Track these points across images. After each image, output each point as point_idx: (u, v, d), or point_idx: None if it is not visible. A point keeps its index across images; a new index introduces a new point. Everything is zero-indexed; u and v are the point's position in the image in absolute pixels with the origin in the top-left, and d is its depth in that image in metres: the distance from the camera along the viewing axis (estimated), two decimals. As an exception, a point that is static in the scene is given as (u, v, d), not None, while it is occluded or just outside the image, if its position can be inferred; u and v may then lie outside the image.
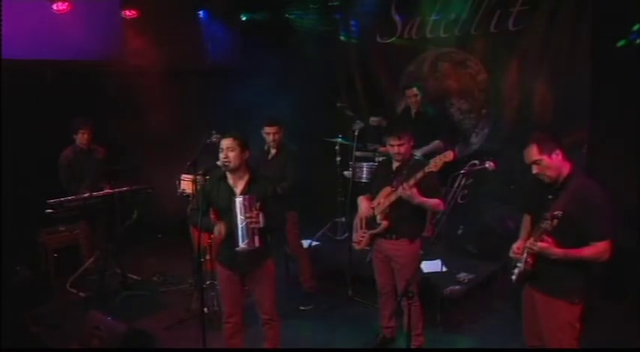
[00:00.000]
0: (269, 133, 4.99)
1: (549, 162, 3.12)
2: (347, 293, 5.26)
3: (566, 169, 3.16)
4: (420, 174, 3.81)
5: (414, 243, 4.11)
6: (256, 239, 3.59)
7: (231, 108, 6.57)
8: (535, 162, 3.15)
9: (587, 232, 3.07)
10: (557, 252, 3.06)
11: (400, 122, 5.94)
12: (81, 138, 5.60)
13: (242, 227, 3.56)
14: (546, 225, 2.99)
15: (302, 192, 5.11)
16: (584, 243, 3.08)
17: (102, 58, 6.54)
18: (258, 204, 3.58)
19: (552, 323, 3.21)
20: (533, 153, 3.14)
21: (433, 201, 3.95)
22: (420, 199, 3.89)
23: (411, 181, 3.85)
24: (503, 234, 5.40)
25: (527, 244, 3.15)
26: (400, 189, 3.89)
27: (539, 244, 3.07)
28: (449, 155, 3.75)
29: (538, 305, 3.27)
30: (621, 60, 5.16)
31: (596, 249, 3.06)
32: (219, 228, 3.70)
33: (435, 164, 3.77)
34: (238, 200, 3.58)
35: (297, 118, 6.22)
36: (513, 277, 3.31)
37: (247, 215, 3.54)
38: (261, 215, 3.57)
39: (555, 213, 2.95)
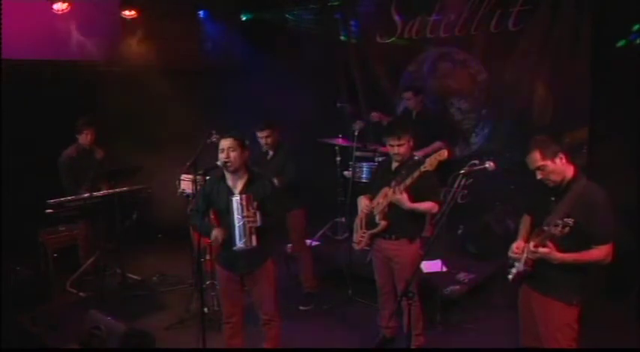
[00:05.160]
0: (261, 137, 5.03)
1: (553, 167, 3.08)
2: (347, 293, 5.26)
3: (569, 172, 3.13)
4: (415, 174, 3.82)
5: (414, 243, 4.11)
6: (253, 238, 3.58)
7: (231, 108, 6.57)
8: (539, 168, 3.11)
9: (590, 235, 3.05)
10: (560, 257, 3.05)
11: (400, 122, 5.93)
12: (84, 138, 5.61)
13: (239, 226, 3.56)
14: (555, 231, 2.93)
15: (302, 191, 5.11)
16: (586, 245, 3.06)
17: (102, 58, 6.54)
18: (255, 203, 3.58)
19: (550, 324, 3.20)
20: (536, 159, 3.09)
21: (425, 205, 3.94)
22: (409, 205, 3.89)
23: (408, 181, 3.85)
24: (503, 234, 5.40)
25: (529, 248, 3.13)
26: (390, 193, 3.89)
27: (541, 250, 3.06)
28: (443, 154, 3.76)
29: (535, 306, 3.27)
30: (621, 60, 5.16)
31: (600, 253, 3.05)
32: (216, 234, 3.70)
33: (430, 163, 3.77)
34: (235, 199, 3.57)
35: (297, 118, 6.22)
36: (510, 276, 3.30)
37: (244, 214, 3.54)
38: (258, 214, 3.57)
39: (567, 220, 2.89)
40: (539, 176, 3.13)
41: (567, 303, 3.16)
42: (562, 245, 3.05)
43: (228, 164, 3.64)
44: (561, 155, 3.09)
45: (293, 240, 5.27)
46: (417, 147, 5.05)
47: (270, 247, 3.87)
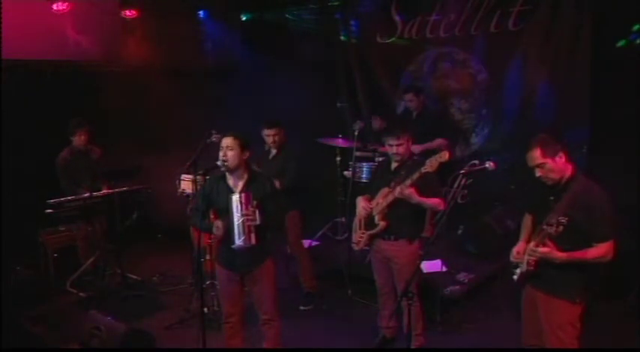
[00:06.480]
0: (268, 135, 5.01)
1: (553, 165, 3.09)
2: (347, 293, 5.26)
3: (568, 171, 3.14)
4: (416, 175, 3.81)
5: (413, 243, 4.11)
6: (252, 236, 3.59)
7: (231, 108, 6.57)
8: (538, 166, 3.11)
9: (590, 234, 3.06)
10: (561, 256, 3.06)
11: (400, 122, 5.93)
12: (78, 139, 5.60)
13: (238, 224, 3.56)
14: (550, 230, 2.96)
15: (302, 192, 5.11)
16: (586, 244, 3.07)
17: (102, 58, 6.54)
18: (255, 202, 3.59)
19: (553, 323, 3.21)
20: (536, 156, 3.10)
21: (432, 201, 3.93)
22: (418, 198, 3.89)
23: (408, 182, 3.85)
24: (503, 234, 5.40)
25: (529, 248, 3.14)
26: (397, 191, 3.89)
27: (541, 249, 3.07)
28: (444, 155, 3.75)
29: (539, 305, 3.27)
30: (621, 60, 5.16)
31: (600, 251, 3.06)
32: (217, 224, 3.70)
33: (430, 165, 3.76)
34: (235, 197, 3.58)
35: (297, 118, 6.22)
36: (515, 277, 3.31)
37: (244, 212, 3.54)
38: (257, 212, 3.57)
39: (560, 219, 2.92)
40: (538, 173, 3.14)
41: (571, 302, 3.16)
42: (563, 243, 3.05)
43: (226, 163, 3.65)
44: (561, 154, 3.10)
45: (290, 241, 5.27)
46: (416, 144, 5.06)
47: (270, 246, 3.87)
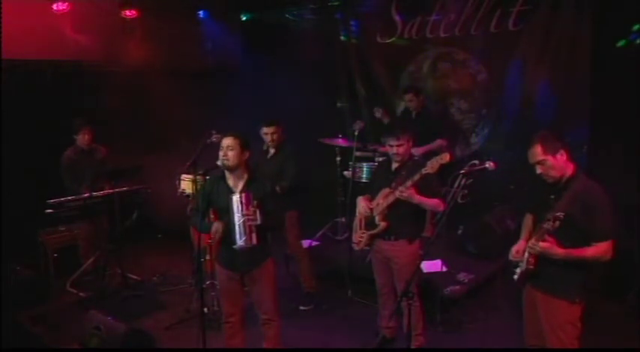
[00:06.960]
0: (267, 133, 5.01)
1: (554, 163, 3.10)
2: (347, 293, 5.26)
3: (569, 170, 3.14)
4: (416, 177, 3.81)
5: (413, 243, 4.11)
6: (253, 236, 3.59)
7: (231, 108, 6.57)
8: (539, 162, 3.12)
9: (589, 233, 3.06)
10: (559, 251, 3.06)
11: (400, 122, 5.93)
12: (82, 138, 5.61)
13: (239, 224, 3.57)
14: (548, 225, 2.97)
15: (302, 192, 5.10)
16: (585, 243, 3.07)
17: (102, 58, 6.55)
18: (255, 202, 3.59)
19: (553, 323, 3.21)
20: (537, 153, 3.11)
21: (432, 201, 3.93)
22: (418, 198, 3.89)
23: (408, 183, 3.85)
24: (503, 234, 5.41)
25: (529, 244, 3.15)
26: (398, 192, 3.89)
27: (541, 244, 3.07)
28: (445, 157, 3.75)
29: (539, 305, 3.28)
30: (621, 60, 5.16)
31: (598, 250, 3.06)
32: (216, 227, 3.71)
33: (431, 166, 3.76)
34: (235, 197, 3.59)
35: (297, 118, 6.23)
36: (515, 277, 3.31)
37: (244, 212, 3.55)
38: (258, 212, 3.57)
39: (557, 214, 2.94)
40: (538, 170, 3.15)
41: (570, 301, 3.16)
42: (562, 242, 3.06)
43: (226, 163, 3.65)
44: (562, 152, 3.11)
45: (289, 242, 5.27)
46: (416, 145, 5.07)
47: (271, 247, 3.87)
